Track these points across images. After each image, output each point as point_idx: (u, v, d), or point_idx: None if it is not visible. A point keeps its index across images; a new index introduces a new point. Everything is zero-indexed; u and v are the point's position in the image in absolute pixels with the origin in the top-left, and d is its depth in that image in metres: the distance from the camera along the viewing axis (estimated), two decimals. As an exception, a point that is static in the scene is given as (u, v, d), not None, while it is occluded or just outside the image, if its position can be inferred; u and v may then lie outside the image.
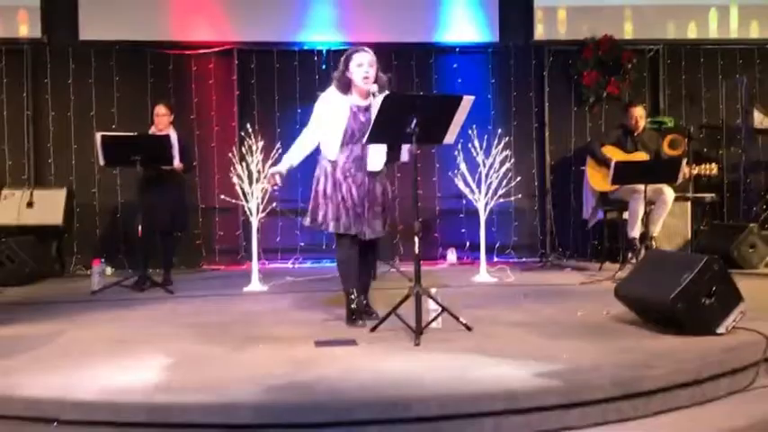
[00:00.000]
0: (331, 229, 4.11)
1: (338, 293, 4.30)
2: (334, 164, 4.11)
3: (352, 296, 4.18)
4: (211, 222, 7.63)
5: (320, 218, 4.13)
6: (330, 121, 4.10)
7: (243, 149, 6.18)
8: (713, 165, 6.48)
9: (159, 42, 7.52)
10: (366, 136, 3.88)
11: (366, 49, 4.08)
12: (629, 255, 6.32)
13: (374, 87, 4.03)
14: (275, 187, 4.28)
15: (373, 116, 3.80)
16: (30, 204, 6.99)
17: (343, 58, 4.10)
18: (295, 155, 4.20)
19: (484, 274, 6.15)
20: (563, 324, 4.11)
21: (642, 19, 7.98)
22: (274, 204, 6.31)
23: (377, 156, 4.14)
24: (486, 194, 6.19)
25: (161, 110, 6.12)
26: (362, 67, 4.03)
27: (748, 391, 3.23)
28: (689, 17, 7.99)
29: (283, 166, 4.19)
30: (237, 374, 3.08)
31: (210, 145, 7.56)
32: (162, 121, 6.08)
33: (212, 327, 4.21)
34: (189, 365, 3.28)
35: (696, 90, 8.01)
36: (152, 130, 6.12)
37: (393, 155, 6.12)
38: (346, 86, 4.11)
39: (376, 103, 3.90)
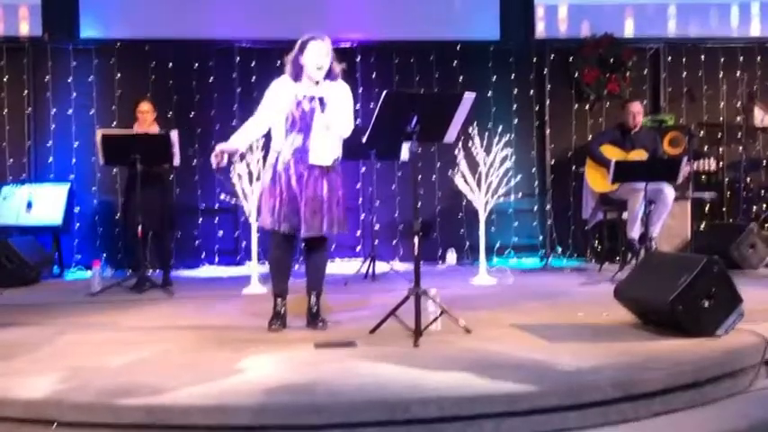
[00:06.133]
0: (266, 225, 3.97)
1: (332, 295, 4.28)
2: (277, 155, 4.00)
3: (279, 299, 4.10)
4: (211, 223, 7.63)
5: (264, 214, 3.98)
6: (276, 107, 3.99)
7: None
8: (711, 160, 6.46)
9: (160, 40, 7.50)
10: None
11: (323, 37, 3.96)
12: (629, 256, 6.32)
13: (321, 76, 3.92)
14: (221, 165, 4.06)
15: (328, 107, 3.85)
16: (29, 204, 6.98)
17: (298, 44, 3.97)
18: (240, 138, 4.09)
19: (483, 276, 6.14)
20: (563, 325, 4.11)
21: (643, 17, 7.97)
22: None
23: (322, 149, 3.99)
24: (486, 194, 6.18)
25: (145, 106, 6.10)
26: (319, 56, 3.91)
27: (748, 393, 3.23)
28: (689, 15, 7.98)
29: (230, 145, 4.06)
30: (237, 376, 3.09)
31: (210, 143, 7.54)
32: (146, 118, 6.07)
33: (212, 328, 4.21)
34: (188, 366, 3.28)
35: (697, 88, 7.99)
36: (136, 128, 6.09)
37: (389, 151, 6.06)
38: (298, 73, 3.98)
39: (323, 91, 3.89)
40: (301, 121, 3.96)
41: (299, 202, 3.93)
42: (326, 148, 4.00)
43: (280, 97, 4.01)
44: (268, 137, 4.18)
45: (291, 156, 3.96)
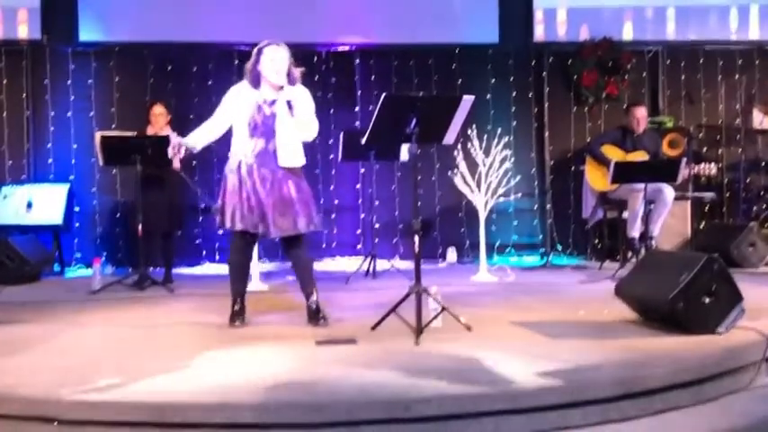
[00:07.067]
0: (228, 225, 4.02)
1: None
2: (239, 159, 4.04)
3: (239, 299, 4.20)
4: (211, 222, 7.60)
5: (227, 216, 4.02)
6: (235, 114, 4.05)
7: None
8: (712, 165, 6.48)
9: (159, 43, 7.50)
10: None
11: (279, 42, 4.02)
12: (629, 254, 6.33)
13: (283, 80, 3.95)
14: (178, 155, 4.16)
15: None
16: (29, 204, 6.98)
17: (255, 51, 4.04)
18: (197, 137, 4.14)
19: (484, 274, 6.15)
20: (563, 323, 4.11)
21: (642, 20, 7.98)
22: None
23: (289, 151, 4.03)
24: (486, 194, 6.19)
25: (158, 109, 6.14)
26: (274, 62, 3.97)
27: (749, 390, 3.24)
28: (688, 18, 7.99)
29: (186, 140, 4.12)
30: (238, 374, 3.09)
31: (209, 146, 7.53)
32: (159, 121, 6.10)
33: (213, 326, 4.20)
34: (189, 364, 3.28)
35: (695, 91, 8.00)
36: (149, 130, 6.13)
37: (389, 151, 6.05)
38: (256, 80, 4.05)
39: (286, 95, 3.92)
40: (263, 126, 4.01)
41: (266, 206, 3.98)
42: (291, 150, 4.05)
43: (235, 102, 4.07)
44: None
45: (254, 160, 4.01)
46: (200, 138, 4.18)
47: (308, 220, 4.05)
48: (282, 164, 4.01)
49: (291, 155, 4.05)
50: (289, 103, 3.94)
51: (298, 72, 4.05)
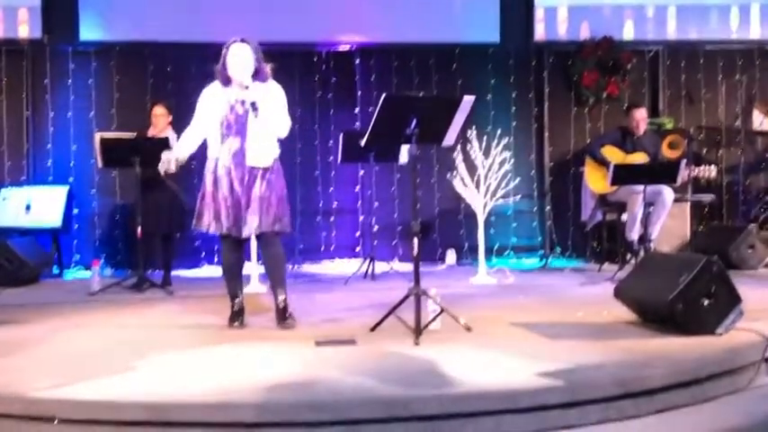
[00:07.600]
0: (212, 230, 4.03)
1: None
2: (216, 160, 4.03)
3: (237, 300, 4.21)
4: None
5: (204, 219, 4.03)
6: (209, 114, 4.04)
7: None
8: (712, 167, 6.48)
9: (159, 43, 7.50)
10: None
11: (245, 39, 4.01)
12: (629, 256, 6.33)
13: (248, 78, 3.93)
14: (169, 171, 4.22)
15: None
16: (28, 206, 6.97)
17: (223, 50, 4.04)
18: (181, 147, 4.16)
19: (483, 276, 6.15)
20: (563, 324, 4.11)
21: (642, 19, 7.99)
22: None
23: (259, 150, 4.00)
24: (486, 196, 6.19)
25: (159, 110, 6.13)
26: (236, 58, 3.96)
27: (748, 391, 3.24)
28: (689, 18, 8.00)
29: (173, 153, 4.15)
30: (237, 373, 3.09)
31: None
32: (160, 122, 6.09)
33: (212, 327, 4.21)
34: (188, 364, 3.29)
35: (696, 91, 8.00)
36: (150, 131, 6.13)
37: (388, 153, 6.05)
38: (226, 78, 4.03)
39: (254, 94, 3.90)
40: (236, 125, 4.00)
41: (240, 206, 3.98)
42: (263, 149, 4.03)
43: (209, 103, 4.06)
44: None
45: (231, 160, 3.99)
46: (184, 147, 4.17)
47: (272, 219, 4.02)
48: (250, 163, 3.99)
49: (260, 154, 4.01)
50: (253, 104, 3.91)
51: (269, 68, 4.06)
